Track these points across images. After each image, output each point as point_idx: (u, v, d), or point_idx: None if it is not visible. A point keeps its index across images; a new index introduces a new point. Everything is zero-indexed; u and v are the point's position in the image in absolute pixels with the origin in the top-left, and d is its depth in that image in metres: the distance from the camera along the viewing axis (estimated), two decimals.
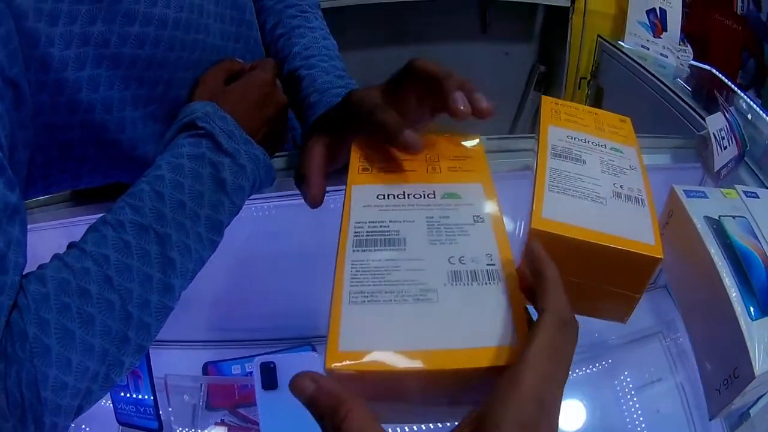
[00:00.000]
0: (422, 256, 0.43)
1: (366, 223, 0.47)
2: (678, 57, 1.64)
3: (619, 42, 1.69)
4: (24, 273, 0.52)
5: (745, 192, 0.74)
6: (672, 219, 0.69)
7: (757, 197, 0.75)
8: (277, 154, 0.77)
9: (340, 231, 0.47)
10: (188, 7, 0.69)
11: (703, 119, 1.07)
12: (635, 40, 1.67)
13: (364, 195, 0.50)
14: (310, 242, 0.92)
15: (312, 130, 0.70)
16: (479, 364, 0.35)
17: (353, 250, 0.45)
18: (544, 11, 2.03)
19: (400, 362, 0.36)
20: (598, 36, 1.77)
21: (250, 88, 0.71)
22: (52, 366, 0.48)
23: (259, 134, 0.68)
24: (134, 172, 0.67)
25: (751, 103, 1.26)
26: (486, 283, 0.41)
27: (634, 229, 0.51)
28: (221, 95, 0.69)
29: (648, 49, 1.66)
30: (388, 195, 0.50)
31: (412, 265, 0.43)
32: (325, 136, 0.65)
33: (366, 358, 0.36)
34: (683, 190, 0.69)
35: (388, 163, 0.55)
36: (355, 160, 0.57)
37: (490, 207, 0.49)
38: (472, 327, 0.38)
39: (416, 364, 0.35)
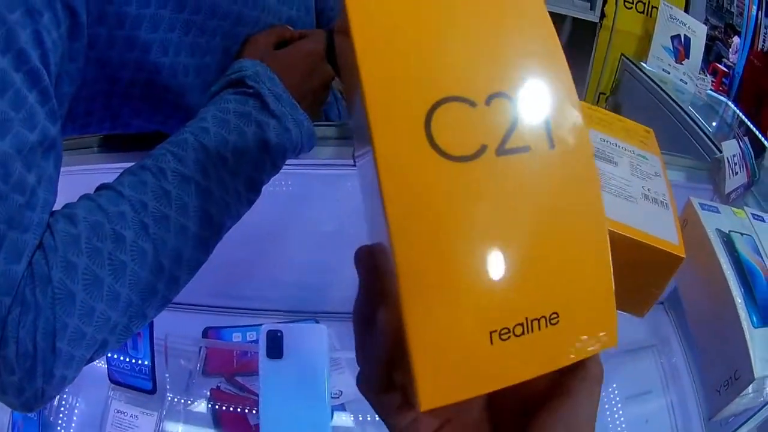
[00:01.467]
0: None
1: None
2: (697, 85, 1.69)
3: (642, 63, 1.72)
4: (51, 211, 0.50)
5: (753, 214, 0.79)
6: (687, 228, 0.73)
7: (763, 221, 0.80)
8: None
9: None
10: None
11: (716, 145, 1.11)
12: (658, 63, 1.71)
13: None
14: (325, 216, 0.93)
15: None
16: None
17: None
18: (572, 23, 2.06)
19: None
20: (622, 55, 1.80)
21: (300, 56, 0.71)
22: (73, 315, 0.46)
23: (304, 102, 0.67)
24: (176, 120, 0.68)
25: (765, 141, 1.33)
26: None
27: (661, 229, 0.56)
28: (271, 57, 0.68)
29: (669, 73, 1.70)
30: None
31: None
32: None
33: None
34: (699, 203, 0.74)
35: None
36: None
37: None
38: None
39: None
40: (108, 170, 0.74)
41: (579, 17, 1.94)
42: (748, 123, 1.77)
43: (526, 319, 0.27)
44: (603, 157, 0.65)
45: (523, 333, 0.27)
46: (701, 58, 1.76)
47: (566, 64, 0.29)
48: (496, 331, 0.27)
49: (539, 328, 0.27)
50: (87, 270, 0.47)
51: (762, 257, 0.73)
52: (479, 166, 0.27)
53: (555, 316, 0.28)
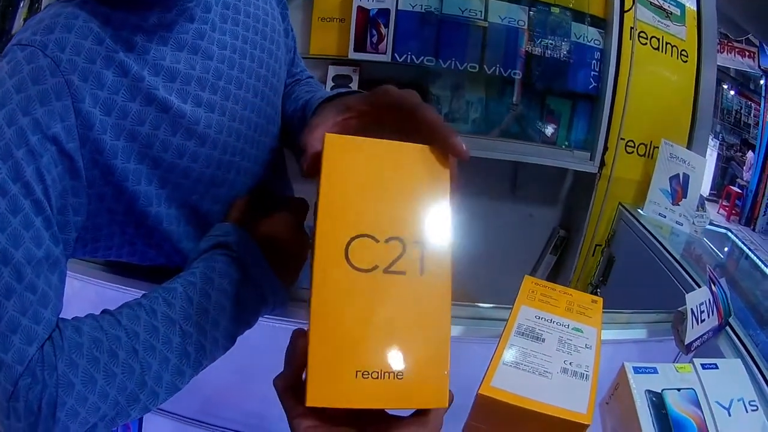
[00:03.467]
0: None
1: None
2: (693, 223, 1.78)
3: (638, 209, 1.81)
4: (61, 317, 0.61)
5: (703, 365, 0.84)
6: (617, 391, 0.82)
7: (716, 367, 0.85)
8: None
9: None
10: (227, 131, 0.75)
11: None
12: (654, 208, 1.80)
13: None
14: None
15: (320, 107, 0.76)
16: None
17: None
18: (573, 176, 2.14)
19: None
20: (620, 203, 1.88)
21: (280, 226, 0.77)
22: (71, 397, 0.57)
23: (282, 268, 0.74)
24: (168, 258, 0.78)
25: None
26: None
27: (570, 400, 0.67)
28: (253, 225, 0.76)
29: (665, 216, 1.79)
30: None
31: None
32: (336, 112, 0.57)
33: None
34: (633, 367, 0.82)
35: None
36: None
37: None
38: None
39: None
40: (109, 287, 0.89)
41: (579, 170, 2.00)
42: (749, 252, 1.84)
43: (381, 370, 0.47)
44: (530, 335, 0.76)
45: (378, 378, 0.46)
46: (699, 192, 1.84)
47: (449, 230, 0.50)
48: (360, 371, 0.46)
49: (389, 378, 0.47)
50: (85, 370, 0.58)
51: (701, 409, 0.80)
52: (371, 277, 0.48)
53: (401, 374, 0.47)
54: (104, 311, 0.65)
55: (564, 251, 2.12)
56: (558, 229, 2.19)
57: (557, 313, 0.82)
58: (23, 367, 0.56)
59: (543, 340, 0.76)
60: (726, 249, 1.88)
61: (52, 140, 0.59)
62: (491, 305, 0.96)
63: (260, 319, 0.74)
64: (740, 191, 5.98)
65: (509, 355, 0.72)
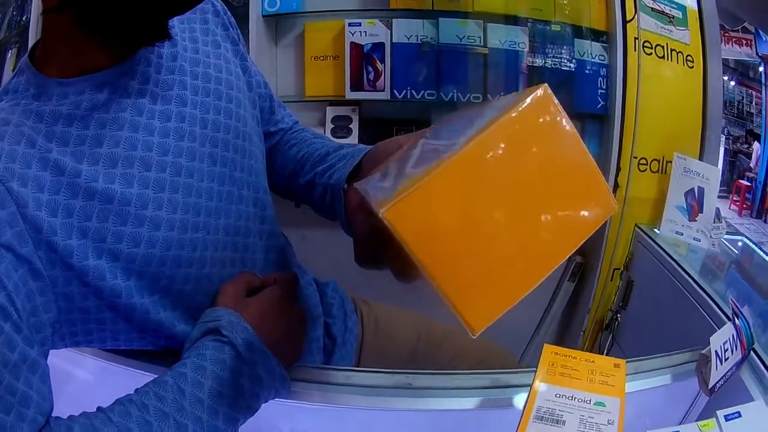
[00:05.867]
0: None
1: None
2: (711, 237, 1.73)
3: (655, 230, 1.77)
4: (53, 413, 0.61)
5: (726, 416, 0.80)
6: None
7: (740, 415, 0.81)
8: (295, 364, 0.80)
9: None
10: (183, 208, 0.71)
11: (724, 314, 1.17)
12: (671, 227, 1.76)
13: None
14: None
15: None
16: None
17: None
18: None
19: None
20: (636, 225, 1.83)
21: (271, 302, 0.76)
22: None
23: (278, 345, 0.73)
24: (157, 344, 0.75)
25: None
26: None
27: None
28: (243, 306, 0.74)
29: (682, 234, 1.75)
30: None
31: None
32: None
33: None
34: None
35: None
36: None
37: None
38: None
39: None
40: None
41: None
42: (763, 254, 1.81)
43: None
44: (549, 418, 0.72)
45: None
46: (715, 204, 1.80)
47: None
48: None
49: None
50: None
51: None
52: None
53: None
54: (98, 409, 0.64)
55: (582, 278, 2.06)
56: (574, 255, 2.11)
57: (578, 387, 0.77)
58: None
59: (563, 423, 0.72)
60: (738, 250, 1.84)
61: (6, 248, 0.58)
62: (510, 371, 0.92)
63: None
64: (749, 184, 5.95)
65: None
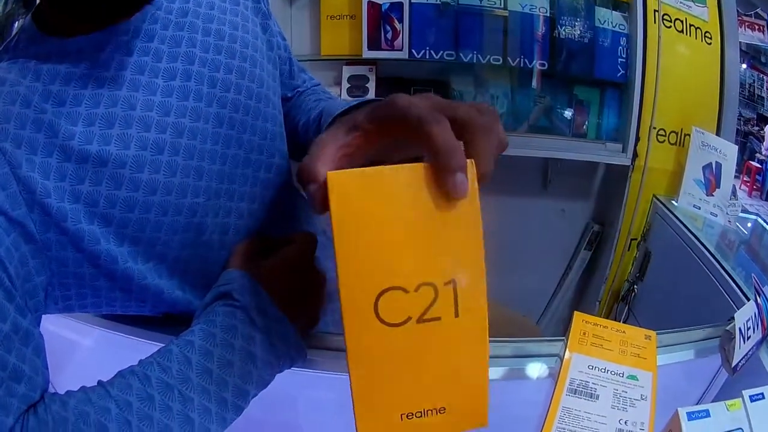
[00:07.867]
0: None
1: None
2: (727, 213, 1.73)
3: (672, 201, 1.76)
4: (49, 389, 0.59)
5: (751, 396, 0.77)
6: None
7: (763, 397, 0.78)
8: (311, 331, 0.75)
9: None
10: (182, 172, 0.67)
11: (742, 291, 1.16)
12: (688, 200, 1.76)
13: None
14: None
15: (330, 125, 0.69)
16: None
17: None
18: (605, 169, 2.07)
19: None
20: (654, 195, 1.83)
21: (285, 264, 0.71)
22: None
23: (293, 311, 0.68)
24: (151, 305, 0.71)
25: None
26: None
27: None
28: (257, 269, 0.69)
29: (699, 208, 1.74)
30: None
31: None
32: (344, 132, 0.50)
33: None
34: (686, 413, 0.74)
35: None
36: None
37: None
38: None
39: None
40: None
41: (612, 163, 1.95)
42: None
43: (424, 409, 0.47)
44: (583, 392, 0.69)
45: (422, 416, 0.47)
46: (732, 182, 1.81)
47: (482, 261, 0.45)
48: (404, 414, 0.47)
49: (432, 414, 0.47)
50: None
51: None
52: (405, 330, 0.45)
53: (443, 409, 0.47)
54: (99, 382, 0.61)
55: (599, 246, 2.05)
56: (591, 223, 2.11)
57: (611, 358, 0.75)
58: None
59: (597, 397, 0.70)
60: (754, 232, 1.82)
61: None
62: (537, 339, 0.88)
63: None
64: (760, 166, 5.90)
65: (561, 420, 0.67)
